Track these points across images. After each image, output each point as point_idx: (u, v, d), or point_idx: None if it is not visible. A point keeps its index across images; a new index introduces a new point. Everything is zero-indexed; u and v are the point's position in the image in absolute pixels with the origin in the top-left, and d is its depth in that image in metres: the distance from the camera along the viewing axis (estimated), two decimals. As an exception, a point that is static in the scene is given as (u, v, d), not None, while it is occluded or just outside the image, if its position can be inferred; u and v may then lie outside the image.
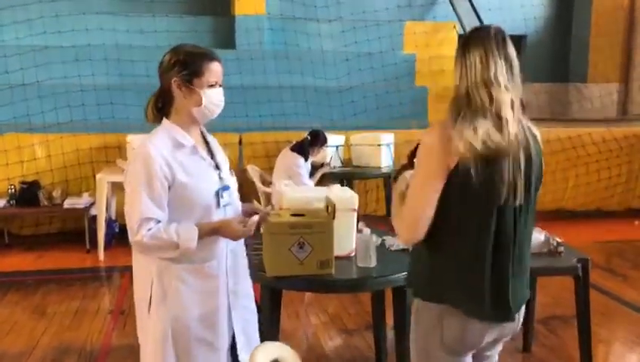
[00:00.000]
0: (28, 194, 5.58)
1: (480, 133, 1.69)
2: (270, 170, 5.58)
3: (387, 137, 5.85)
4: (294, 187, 3.15)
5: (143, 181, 1.95)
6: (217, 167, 2.14)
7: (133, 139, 5.54)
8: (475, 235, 1.75)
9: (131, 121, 6.02)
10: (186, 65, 2.01)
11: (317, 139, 5.32)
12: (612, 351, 3.81)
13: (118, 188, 5.97)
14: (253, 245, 2.68)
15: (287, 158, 5.21)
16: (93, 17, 7.55)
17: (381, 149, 5.76)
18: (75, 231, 5.80)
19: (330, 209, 2.53)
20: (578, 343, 3.08)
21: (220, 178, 2.11)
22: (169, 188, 1.98)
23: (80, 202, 5.67)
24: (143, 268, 2.11)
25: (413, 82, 8.39)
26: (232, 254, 2.17)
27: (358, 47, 8.42)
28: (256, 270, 2.50)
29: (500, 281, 1.78)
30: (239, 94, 6.93)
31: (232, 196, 2.17)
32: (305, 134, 5.41)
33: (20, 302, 4.43)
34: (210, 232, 2.04)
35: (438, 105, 7.60)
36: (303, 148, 5.23)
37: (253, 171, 5.73)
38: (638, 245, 6.09)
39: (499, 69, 1.74)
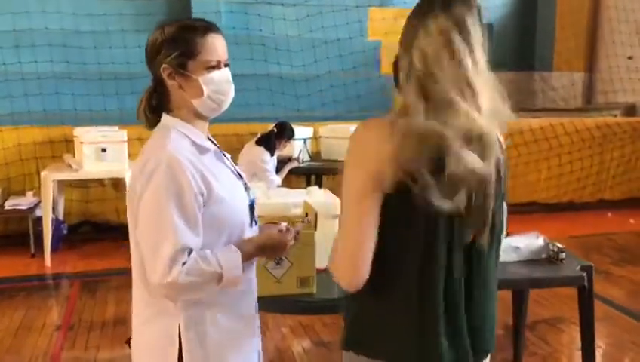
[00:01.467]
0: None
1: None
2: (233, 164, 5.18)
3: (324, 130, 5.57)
4: (266, 191, 2.77)
5: (172, 198, 1.43)
6: (240, 174, 1.70)
7: (80, 133, 5.08)
8: (417, 276, 1.33)
9: (79, 113, 5.55)
10: (175, 44, 1.53)
11: (284, 132, 4.96)
12: (610, 358, 3.59)
13: (65, 185, 5.50)
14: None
15: (252, 153, 4.83)
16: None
17: (352, 142, 5.43)
18: (18, 234, 5.29)
19: (311, 217, 2.19)
20: (582, 358, 2.83)
21: (246, 188, 1.68)
22: (203, 205, 1.49)
23: (23, 202, 5.17)
24: (158, 329, 1.55)
25: (379, 71, 8.08)
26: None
27: (325, 33, 8.05)
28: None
29: (451, 332, 1.36)
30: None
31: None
32: (270, 126, 5.04)
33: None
34: (255, 252, 1.59)
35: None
36: (269, 142, 4.86)
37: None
38: (614, 238, 5.96)
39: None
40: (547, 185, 6.98)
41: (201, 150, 1.56)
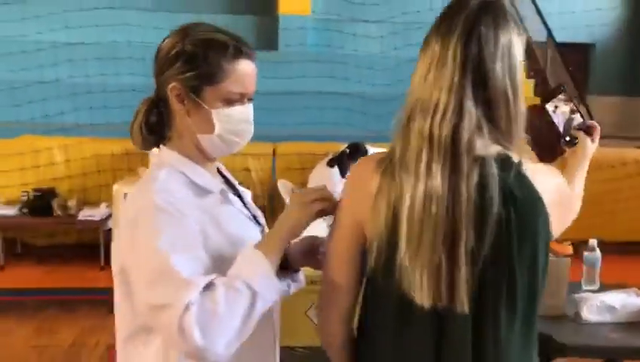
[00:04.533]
0: (41, 202, 5.13)
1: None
2: (304, 184, 5.00)
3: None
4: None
5: (162, 236, 1.15)
6: (257, 219, 1.42)
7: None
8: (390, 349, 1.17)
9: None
10: (194, 61, 1.24)
11: (357, 153, 4.69)
12: None
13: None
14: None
15: (323, 174, 4.62)
16: (134, 14, 7.15)
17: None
18: (90, 246, 5.32)
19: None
20: None
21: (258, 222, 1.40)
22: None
23: (96, 214, 5.20)
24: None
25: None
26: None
27: (410, 51, 7.75)
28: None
29: None
30: (276, 100, 6.39)
31: None
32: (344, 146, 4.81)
33: (14, 330, 3.94)
34: (284, 240, 1.24)
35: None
36: (341, 163, 4.62)
37: (284, 187, 5.15)
38: None
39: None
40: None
41: (201, 192, 1.28)
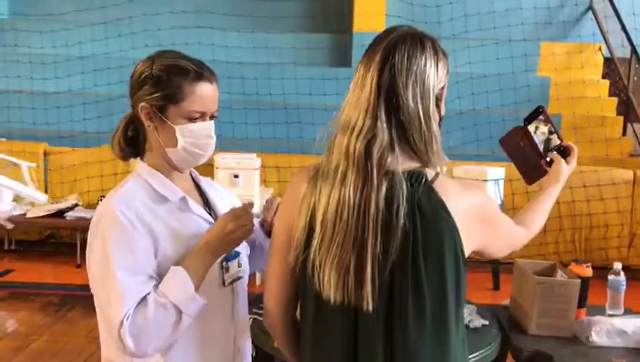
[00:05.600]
0: (116, 207, 5.54)
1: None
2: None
3: (496, 171, 5.05)
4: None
5: (114, 251, 1.33)
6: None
7: (217, 158, 5.31)
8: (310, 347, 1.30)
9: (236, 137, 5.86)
10: (160, 83, 1.41)
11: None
12: None
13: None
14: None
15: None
16: (207, 32, 7.56)
17: (486, 185, 4.97)
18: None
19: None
20: None
21: None
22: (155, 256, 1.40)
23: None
24: None
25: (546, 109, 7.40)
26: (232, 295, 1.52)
27: (485, 67, 7.63)
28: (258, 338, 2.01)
29: None
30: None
31: (244, 264, 1.55)
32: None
33: (78, 322, 4.29)
34: (204, 261, 1.39)
35: (570, 138, 6.58)
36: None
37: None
38: None
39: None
40: None
41: (161, 199, 1.44)
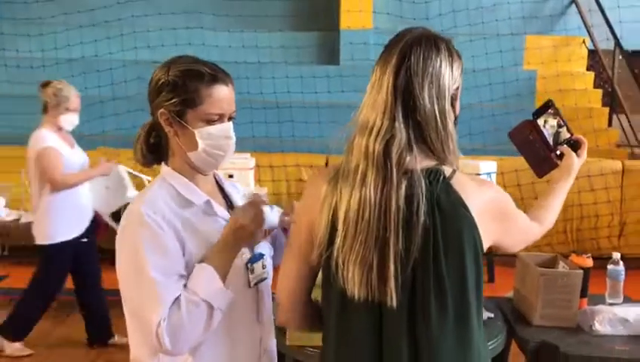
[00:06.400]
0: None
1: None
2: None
3: (488, 165, 5.10)
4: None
5: (146, 254, 1.35)
6: None
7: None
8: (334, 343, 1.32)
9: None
10: (177, 89, 1.43)
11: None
12: None
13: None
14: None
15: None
16: (197, 32, 7.54)
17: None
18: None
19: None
20: None
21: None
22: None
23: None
24: None
25: (533, 102, 7.49)
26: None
27: (475, 62, 7.69)
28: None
29: None
30: (337, 113, 6.54)
31: (269, 266, 1.57)
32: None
33: (77, 326, 4.28)
34: (222, 259, 1.41)
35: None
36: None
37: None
38: None
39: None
40: None
41: (185, 203, 1.47)
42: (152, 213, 1.40)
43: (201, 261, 1.41)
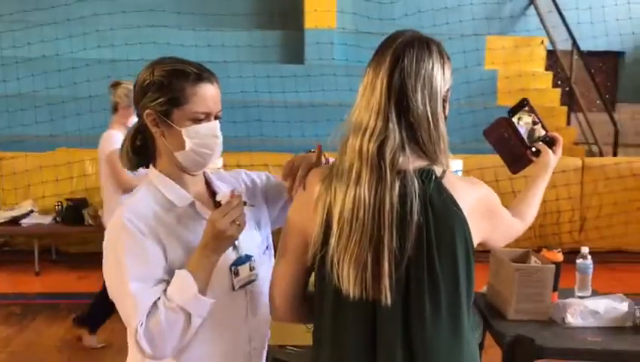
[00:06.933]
0: (73, 212, 5.43)
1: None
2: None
3: (454, 163, 5.16)
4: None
5: (126, 259, 1.36)
6: None
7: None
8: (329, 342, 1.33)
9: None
10: (162, 89, 1.42)
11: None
12: None
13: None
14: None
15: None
16: (161, 31, 7.43)
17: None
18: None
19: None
20: None
21: (234, 246, 1.48)
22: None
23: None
24: None
25: (495, 101, 7.65)
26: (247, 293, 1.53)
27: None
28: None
29: None
30: (302, 112, 6.56)
31: (260, 267, 1.52)
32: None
33: (44, 331, 4.18)
34: (204, 263, 1.39)
35: (522, 129, 6.82)
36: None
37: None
38: None
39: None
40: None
41: (170, 206, 1.45)
42: (134, 218, 1.40)
43: (183, 266, 1.40)
